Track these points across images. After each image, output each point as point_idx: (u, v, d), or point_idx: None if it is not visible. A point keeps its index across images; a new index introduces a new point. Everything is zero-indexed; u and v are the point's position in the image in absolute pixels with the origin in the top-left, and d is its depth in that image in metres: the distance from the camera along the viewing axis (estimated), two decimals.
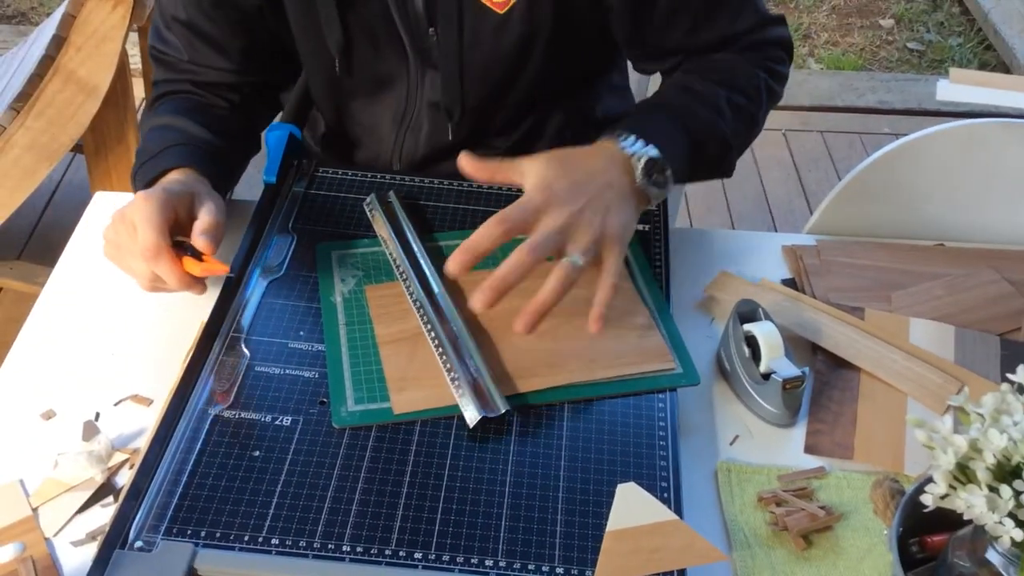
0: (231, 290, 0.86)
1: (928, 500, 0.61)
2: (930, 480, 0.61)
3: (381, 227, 0.93)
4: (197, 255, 0.81)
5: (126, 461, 0.78)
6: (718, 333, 0.89)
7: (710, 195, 2.47)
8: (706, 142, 0.91)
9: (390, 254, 0.91)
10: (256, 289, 0.88)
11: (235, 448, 0.74)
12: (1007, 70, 2.91)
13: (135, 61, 1.76)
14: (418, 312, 0.84)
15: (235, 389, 0.79)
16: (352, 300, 0.87)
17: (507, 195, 0.98)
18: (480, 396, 0.77)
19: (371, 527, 0.70)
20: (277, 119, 1.11)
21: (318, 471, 0.73)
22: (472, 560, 0.68)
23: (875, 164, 1.06)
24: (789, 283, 0.96)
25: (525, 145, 1.04)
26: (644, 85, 1.27)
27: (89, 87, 1.61)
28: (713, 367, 0.87)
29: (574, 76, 1.04)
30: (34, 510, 0.75)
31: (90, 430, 0.80)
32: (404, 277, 0.88)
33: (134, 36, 1.65)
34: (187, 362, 0.81)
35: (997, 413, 0.61)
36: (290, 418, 0.77)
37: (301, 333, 0.84)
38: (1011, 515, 0.58)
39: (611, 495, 0.72)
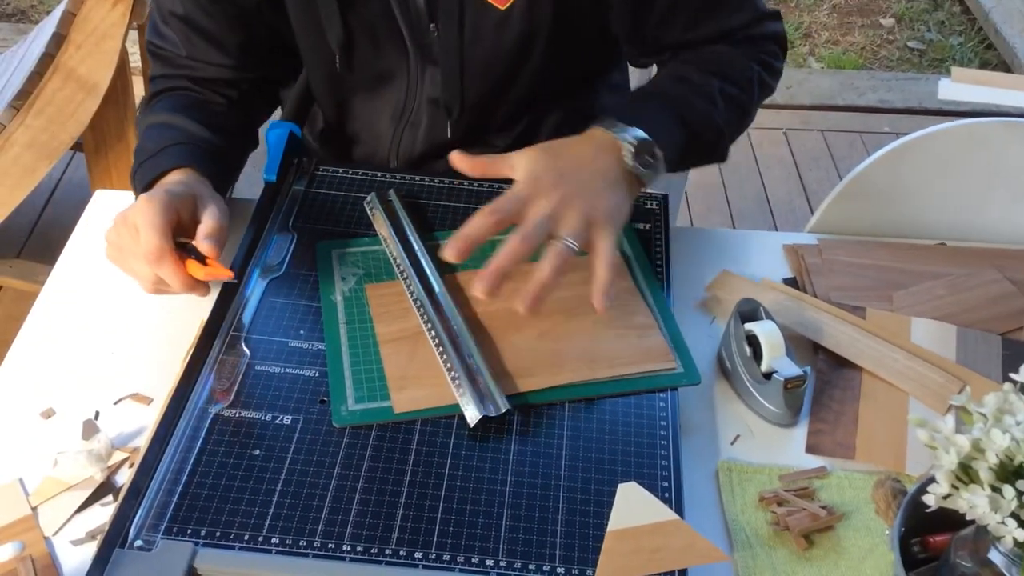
0: (231, 289, 0.86)
1: (930, 500, 0.61)
2: (932, 480, 0.61)
3: (381, 226, 0.93)
4: (200, 257, 0.81)
5: (126, 460, 0.78)
6: (719, 332, 0.89)
7: (711, 194, 2.47)
8: (700, 130, 0.92)
9: (390, 253, 0.90)
10: (256, 288, 0.87)
11: (235, 447, 0.74)
12: (1008, 69, 2.91)
13: (135, 59, 1.75)
14: (418, 311, 0.84)
15: (235, 388, 0.79)
16: (352, 299, 0.87)
17: None
18: (480, 395, 0.77)
19: (371, 526, 0.70)
20: (278, 117, 1.11)
21: (318, 470, 0.73)
22: (472, 560, 0.68)
23: (876, 163, 1.06)
24: (790, 282, 0.96)
25: (524, 143, 1.03)
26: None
27: (89, 85, 1.60)
28: (714, 366, 0.87)
29: (574, 74, 1.03)
30: (33, 509, 0.74)
31: (90, 429, 0.80)
32: (404, 276, 0.88)
33: (134, 34, 1.64)
34: (187, 361, 0.81)
35: (1000, 413, 0.61)
36: (290, 417, 0.77)
37: (301, 332, 0.84)
38: (1014, 515, 0.58)
39: (612, 495, 0.72)
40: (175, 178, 0.88)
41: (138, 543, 0.68)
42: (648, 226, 0.96)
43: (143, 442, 0.77)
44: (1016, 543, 0.58)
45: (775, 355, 0.81)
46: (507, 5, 0.91)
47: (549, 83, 1.00)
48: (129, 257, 0.82)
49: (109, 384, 0.84)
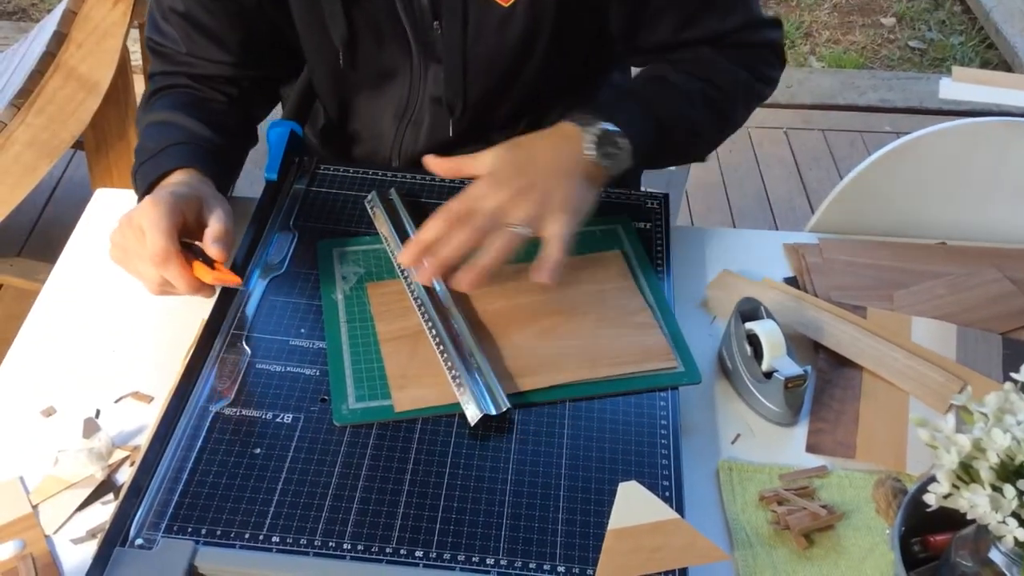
0: (233, 288, 0.86)
1: (931, 499, 0.61)
2: (933, 479, 0.61)
3: (382, 224, 0.93)
4: (206, 259, 0.81)
5: (126, 458, 0.78)
6: (719, 331, 0.89)
7: (711, 193, 2.47)
8: (671, 126, 0.93)
9: (391, 252, 0.90)
10: (257, 286, 0.87)
11: (236, 446, 0.74)
12: (1009, 69, 2.91)
13: (136, 58, 1.75)
14: (419, 310, 0.84)
15: (236, 386, 0.79)
16: (353, 297, 0.87)
17: None
18: (481, 394, 0.77)
19: (372, 525, 0.70)
20: (279, 115, 1.11)
21: (319, 469, 0.73)
22: (473, 558, 0.68)
23: (877, 163, 1.06)
24: (791, 281, 0.96)
25: None
26: None
27: (90, 84, 1.60)
28: (715, 365, 0.87)
29: (576, 72, 1.03)
30: (34, 507, 0.74)
31: (90, 427, 0.80)
32: (405, 274, 0.88)
33: (135, 33, 1.64)
34: (188, 359, 0.81)
35: (1000, 412, 0.61)
36: (291, 416, 0.77)
37: (302, 330, 0.84)
38: (1014, 515, 0.58)
39: (612, 493, 0.72)
40: (178, 179, 0.88)
41: (139, 542, 0.68)
42: (649, 225, 0.96)
43: (144, 440, 0.77)
44: (1017, 542, 0.58)
45: (776, 354, 0.81)
46: (510, 3, 0.91)
47: (552, 81, 1.00)
48: (134, 259, 0.82)
49: (110, 382, 0.84)
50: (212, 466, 0.73)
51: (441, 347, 0.81)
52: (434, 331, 0.82)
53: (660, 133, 0.92)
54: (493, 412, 0.76)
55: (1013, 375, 0.64)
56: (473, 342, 0.81)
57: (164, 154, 0.90)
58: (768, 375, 0.81)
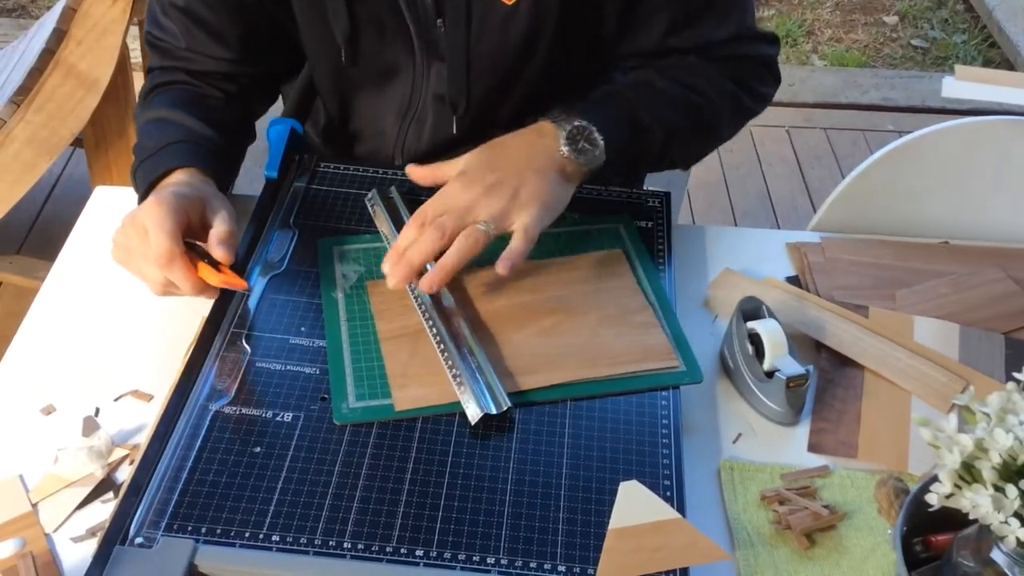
0: None
1: (933, 499, 0.61)
2: (935, 479, 0.61)
3: (382, 222, 0.93)
4: (211, 260, 0.81)
5: (126, 457, 0.77)
6: (721, 331, 0.89)
7: (713, 192, 2.47)
8: (649, 129, 0.92)
9: None
10: (257, 285, 0.87)
11: (236, 444, 0.74)
12: (1011, 67, 2.91)
13: (136, 55, 1.75)
14: (420, 308, 0.84)
15: (236, 385, 0.78)
16: (354, 296, 0.87)
17: None
18: (482, 393, 0.77)
19: (372, 524, 0.70)
20: (279, 113, 1.11)
21: (319, 468, 0.73)
22: (473, 558, 0.68)
23: (879, 161, 1.06)
24: (793, 280, 0.96)
25: None
26: None
27: (89, 81, 1.60)
28: (716, 365, 0.87)
29: (579, 70, 1.03)
30: (34, 506, 0.74)
31: (90, 426, 0.79)
32: None
33: (135, 30, 1.64)
34: (188, 358, 0.81)
35: (1003, 412, 0.61)
36: (291, 414, 0.77)
37: (302, 329, 0.83)
38: (1016, 515, 0.57)
39: (613, 493, 0.72)
40: (180, 179, 0.88)
41: (139, 540, 0.68)
42: (650, 224, 0.96)
43: (143, 439, 0.77)
44: (1019, 543, 0.58)
45: (777, 354, 0.81)
46: (514, 1, 0.91)
47: (555, 79, 1.00)
48: (138, 259, 0.82)
49: (109, 381, 0.83)
50: (212, 465, 0.73)
51: (441, 346, 0.80)
52: (434, 330, 0.82)
53: (636, 133, 0.92)
54: (494, 411, 0.75)
55: (1016, 375, 0.64)
56: (474, 341, 0.81)
57: (163, 153, 0.90)
58: (770, 374, 0.81)
